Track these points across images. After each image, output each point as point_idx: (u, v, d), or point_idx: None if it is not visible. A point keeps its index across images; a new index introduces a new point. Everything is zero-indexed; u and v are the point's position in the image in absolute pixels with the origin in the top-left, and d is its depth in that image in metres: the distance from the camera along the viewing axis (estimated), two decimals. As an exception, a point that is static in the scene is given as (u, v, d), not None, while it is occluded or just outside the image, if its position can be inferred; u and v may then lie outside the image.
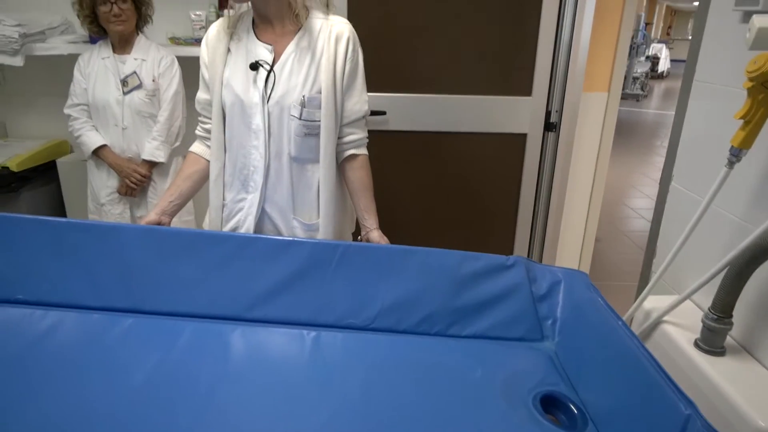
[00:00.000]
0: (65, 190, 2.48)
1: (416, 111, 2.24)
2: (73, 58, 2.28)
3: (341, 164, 1.37)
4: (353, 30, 1.30)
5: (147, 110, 2.02)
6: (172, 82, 2.04)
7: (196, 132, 1.40)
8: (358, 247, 1.28)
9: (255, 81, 1.26)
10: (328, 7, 1.31)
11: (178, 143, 2.11)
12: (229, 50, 1.29)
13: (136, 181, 2.03)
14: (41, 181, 2.47)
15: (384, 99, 2.19)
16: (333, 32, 1.26)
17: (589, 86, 2.26)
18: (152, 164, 2.06)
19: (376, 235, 1.37)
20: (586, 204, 2.47)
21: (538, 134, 2.28)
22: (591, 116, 2.32)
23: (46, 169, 2.47)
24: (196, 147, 1.40)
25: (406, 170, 2.30)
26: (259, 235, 1.31)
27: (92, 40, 2.23)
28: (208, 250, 1.27)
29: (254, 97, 1.26)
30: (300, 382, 1.05)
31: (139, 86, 1.99)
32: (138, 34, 2.04)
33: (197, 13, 2.35)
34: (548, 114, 2.26)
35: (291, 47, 1.26)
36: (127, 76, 1.98)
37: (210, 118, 1.34)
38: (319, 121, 1.27)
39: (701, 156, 1.35)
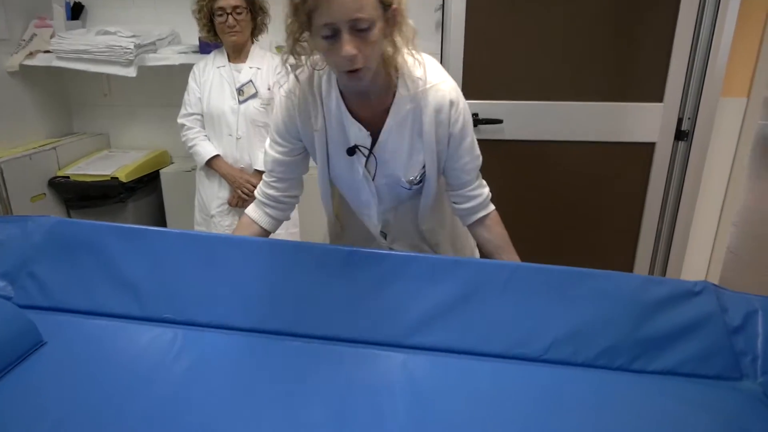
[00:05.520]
0: (167, 200, 2.47)
1: (534, 119, 2.09)
2: (179, 69, 2.29)
3: (472, 228, 1.24)
4: (454, 89, 1.08)
5: (261, 119, 1.97)
6: (287, 91, 1.98)
7: (257, 196, 1.22)
8: (529, 268, 1.15)
9: (355, 163, 1.12)
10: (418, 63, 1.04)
11: (289, 153, 2.05)
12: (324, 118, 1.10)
13: (248, 192, 1.97)
14: (145, 191, 2.47)
15: (500, 107, 2.06)
16: (431, 104, 1.06)
17: (726, 91, 2.05)
18: (264, 175, 2.00)
19: None
20: (716, 221, 2.25)
21: (668, 144, 2.09)
22: (727, 124, 2.11)
23: (150, 180, 2.47)
24: (254, 212, 1.23)
25: (523, 181, 2.16)
26: (418, 254, 1.20)
27: (202, 50, 2.21)
28: (366, 269, 1.17)
29: (357, 175, 1.13)
30: (465, 418, 0.92)
31: (255, 95, 1.94)
32: (253, 42, 2.00)
33: (302, 21, 2.29)
34: (679, 121, 2.07)
35: (389, 126, 1.07)
36: (243, 85, 1.94)
37: (282, 182, 1.20)
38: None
39: None
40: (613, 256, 2.27)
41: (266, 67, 1.97)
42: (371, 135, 1.08)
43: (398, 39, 0.97)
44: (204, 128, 2.01)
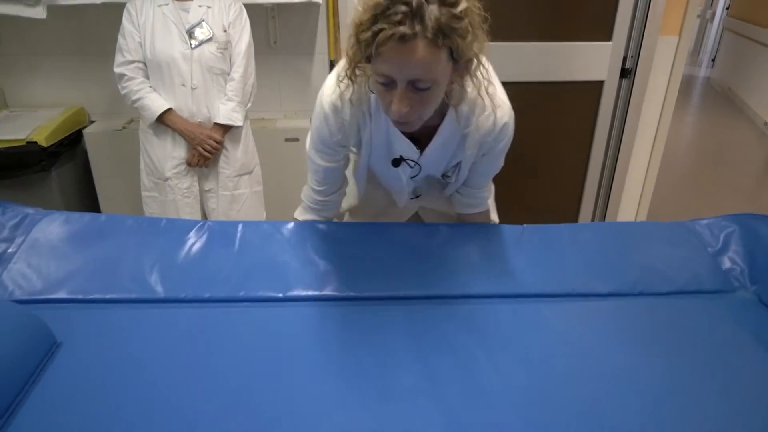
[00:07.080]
0: (95, 165, 2.15)
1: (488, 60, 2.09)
2: (94, 10, 1.95)
3: (464, 216, 1.29)
4: (509, 110, 1.06)
5: (219, 66, 1.75)
6: (244, 33, 1.77)
7: (307, 203, 1.22)
8: (534, 228, 1.28)
9: (398, 171, 1.13)
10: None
11: (250, 104, 1.86)
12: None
13: (210, 149, 1.78)
14: (67, 156, 2.13)
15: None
16: (482, 128, 1.03)
17: (662, 29, 2.19)
18: (226, 129, 1.80)
19: None
20: (648, 153, 2.45)
21: (615, 81, 2.21)
22: (662, 62, 2.27)
23: (70, 143, 2.13)
24: (305, 217, 1.24)
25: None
26: (442, 224, 1.28)
27: (127, -14, 1.88)
28: (397, 237, 1.22)
29: (396, 178, 1.16)
30: (548, 354, 0.97)
31: (210, 39, 1.71)
32: (198, -24, 1.74)
33: (240, -48, 2.04)
34: (624, 59, 2.19)
35: (436, 143, 1.06)
36: (193, 27, 1.69)
37: (333, 186, 1.19)
38: None
39: None
40: (563, 190, 2.41)
41: (218, 5, 1.73)
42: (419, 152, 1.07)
43: (469, 83, 0.93)
44: (148, 78, 1.75)
